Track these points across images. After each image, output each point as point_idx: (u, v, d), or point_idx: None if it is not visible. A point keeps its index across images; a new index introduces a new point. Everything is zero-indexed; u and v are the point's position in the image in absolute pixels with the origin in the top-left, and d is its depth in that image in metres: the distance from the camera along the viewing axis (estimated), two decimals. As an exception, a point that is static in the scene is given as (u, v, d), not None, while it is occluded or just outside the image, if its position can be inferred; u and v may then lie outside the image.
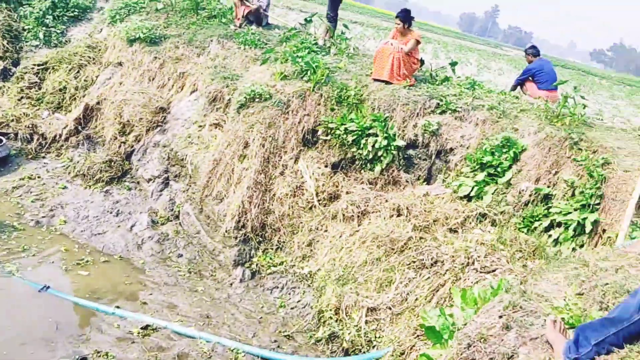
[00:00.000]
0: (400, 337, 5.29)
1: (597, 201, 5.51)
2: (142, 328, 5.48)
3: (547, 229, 5.78)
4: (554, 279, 3.53)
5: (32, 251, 6.68)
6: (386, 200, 6.66)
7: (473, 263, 5.56)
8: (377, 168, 7.00)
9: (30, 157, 8.71)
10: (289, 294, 6.62)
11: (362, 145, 6.99)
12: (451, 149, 7.06)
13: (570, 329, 3.02)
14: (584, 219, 5.45)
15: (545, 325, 3.08)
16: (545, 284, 3.49)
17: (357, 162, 7.10)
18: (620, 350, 2.75)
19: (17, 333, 5.14)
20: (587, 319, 3.01)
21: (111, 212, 7.62)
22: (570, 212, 5.61)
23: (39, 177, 8.32)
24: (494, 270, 5.33)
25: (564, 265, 3.77)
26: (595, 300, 3.17)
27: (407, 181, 7.05)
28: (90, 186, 8.04)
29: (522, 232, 5.86)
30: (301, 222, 6.87)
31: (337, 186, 6.98)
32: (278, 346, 5.77)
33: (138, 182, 8.17)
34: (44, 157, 8.72)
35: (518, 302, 3.26)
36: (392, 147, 6.94)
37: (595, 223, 5.43)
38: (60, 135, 8.78)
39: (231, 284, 6.72)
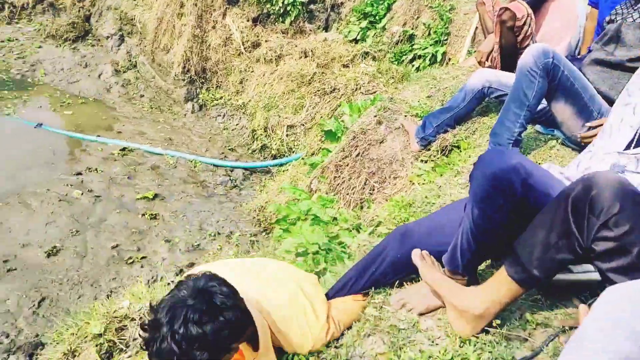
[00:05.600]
0: (311, 144, 5.48)
1: (446, 38, 5.57)
2: (120, 150, 5.40)
3: (412, 61, 5.85)
4: (412, 90, 3.67)
5: (22, 98, 6.22)
6: (296, 46, 6.49)
7: (360, 88, 5.66)
8: (287, 20, 6.70)
9: (5, 22, 7.73)
10: (229, 119, 6.60)
11: (274, 2, 6.60)
12: (342, 3, 6.81)
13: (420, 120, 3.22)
14: (436, 51, 5.54)
15: (404, 119, 3.27)
16: (406, 93, 3.63)
17: (271, 16, 6.74)
18: (453, 130, 2.98)
19: (23, 161, 4.95)
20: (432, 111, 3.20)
21: (81, 65, 7.03)
22: (427, 47, 5.67)
23: (17, 39, 7.46)
24: (374, 92, 5.46)
25: (420, 79, 3.90)
26: (439, 100, 3.35)
27: (310, 30, 6.82)
28: (60, 45, 7.29)
29: (394, 64, 5.93)
30: (233, 66, 6.64)
31: (258, 36, 6.67)
32: (225, 156, 5.87)
33: (99, 40, 7.46)
34: (17, 23, 7.75)
35: (387, 105, 3.40)
36: (298, 3, 6.60)
37: (444, 54, 5.54)
38: (28, 4, 7.75)
39: (185, 115, 6.59)
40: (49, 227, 4.02)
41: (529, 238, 1.31)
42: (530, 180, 1.37)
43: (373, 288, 1.78)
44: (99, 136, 5.57)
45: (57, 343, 3.05)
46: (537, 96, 2.27)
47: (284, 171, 5.46)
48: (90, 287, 3.52)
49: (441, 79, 3.61)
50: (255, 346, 1.48)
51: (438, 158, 2.89)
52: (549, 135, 2.67)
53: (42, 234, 3.93)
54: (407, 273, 1.74)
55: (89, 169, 4.94)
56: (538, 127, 2.76)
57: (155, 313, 1.25)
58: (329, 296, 1.81)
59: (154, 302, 1.32)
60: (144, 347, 1.27)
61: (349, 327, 1.72)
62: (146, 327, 1.26)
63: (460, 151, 2.84)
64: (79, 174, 4.83)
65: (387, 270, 1.74)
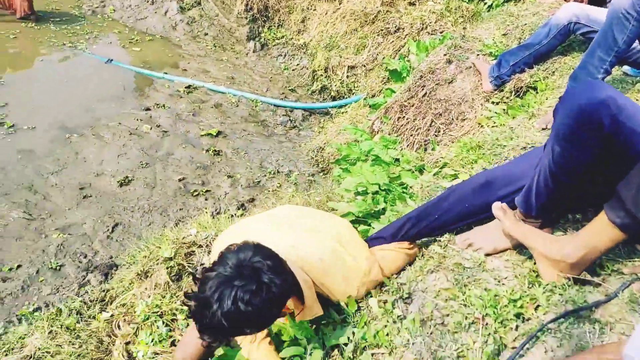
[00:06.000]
0: (372, 85, 5.35)
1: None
2: (186, 87, 5.52)
3: (484, -2, 5.48)
4: (487, 27, 3.44)
5: (94, 34, 6.42)
6: (360, -17, 6.21)
7: (426, 28, 5.38)
8: (353, -45, 6.39)
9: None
10: (290, 59, 6.53)
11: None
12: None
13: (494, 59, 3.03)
14: (513, -14, 5.14)
15: (476, 58, 3.09)
16: (479, 30, 3.41)
17: (337, -49, 6.44)
18: (531, 69, 2.80)
19: (95, 94, 5.18)
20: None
21: (147, 1, 7.10)
22: (502, -18, 5.28)
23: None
24: (441, 32, 5.19)
25: (495, 16, 3.65)
26: (516, 37, 3.13)
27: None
28: (127, -19, 7.42)
29: (464, 1, 5.57)
30: (295, 3, 6.49)
31: (321, -28, 6.46)
32: (285, 97, 5.86)
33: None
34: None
35: (458, 43, 3.23)
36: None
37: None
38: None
39: (247, 54, 6.59)
40: (121, 159, 4.23)
41: (636, 180, 1.20)
42: (621, 116, 1.24)
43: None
44: (165, 73, 5.70)
45: (130, 264, 3.28)
46: (628, 41, 2.05)
47: (343, 113, 5.40)
48: (159, 215, 3.72)
49: (519, 16, 3.35)
50: (301, 299, 1.51)
51: (511, 100, 2.73)
52: (638, 78, 2.44)
53: (115, 165, 4.15)
54: (471, 222, 1.69)
55: (157, 104, 5.10)
56: (626, 69, 2.53)
57: (203, 290, 1.26)
58: (383, 237, 1.80)
59: (198, 274, 1.33)
60: (191, 317, 1.30)
61: (401, 271, 1.72)
62: (193, 299, 1.28)
63: (537, 93, 2.67)
64: (148, 109, 5.00)
65: (451, 218, 1.69)
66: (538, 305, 1.37)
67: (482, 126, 2.71)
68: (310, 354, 1.43)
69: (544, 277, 1.42)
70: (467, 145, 2.37)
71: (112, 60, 5.74)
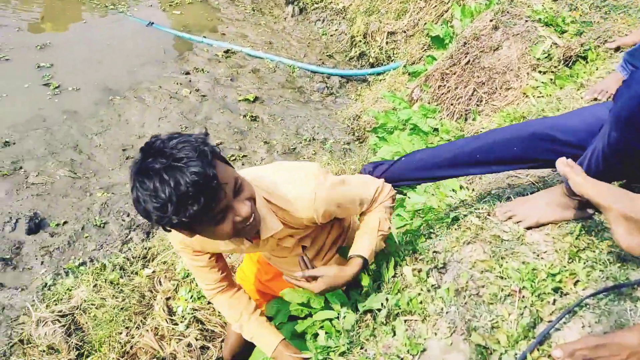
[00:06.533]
0: (412, 52, 5.21)
1: None
2: (224, 52, 5.53)
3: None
4: (537, -9, 3.26)
5: (134, -3, 6.49)
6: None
7: (471, -8, 5.17)
8: None
9: None
10: (329, 24, 6.42)
11: None
12: None
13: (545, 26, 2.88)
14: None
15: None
16: (528, -5, 3.24)
17: None
18: None
19: (137, 57, 5.26)
20: (558, 17, 2.86)
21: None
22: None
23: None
24: (487, -3, 4.97)
25: (545, -20, 3.44)
26: (567, 4, 2.96)
27: None
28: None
29: (514, -36, 5.29)
30: (336, -34, 6.33)
31: None
32: (322, 63, 5.80)
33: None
34: None
35: (506, 8, 3.08)
36: None
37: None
38: None
39: (285, 19, 6.51)
40: (161, 122, 4.32)
41: None
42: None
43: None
44: (205, 37, 5.71)
45: (170, 225, 3.38)
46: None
47: (381, 80, 5.30)
48: (197, 178, 3.80)
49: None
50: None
51: (559, 69, 2.61)
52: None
53: (156, 127, 4.24)
54: (503, 170, 1.62)
55: (196, 69, 5.14)
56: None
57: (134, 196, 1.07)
58: (408, 161, 1.73)
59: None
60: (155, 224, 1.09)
61: (437, 241, 1.70)
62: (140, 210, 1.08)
63: (586, 63, 2.54)
64: (187, 73, 5.05)
65: (488, 163, 1.59)
66: (577, 281, 1.34)
67: (527, 96, 2.62)
68: (344, 319, 1.46)
69: (622, 243, 1.21)
70: (510, 115, 2.29)
71: (152, 23, 5.79)
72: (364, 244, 1.50)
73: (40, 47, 5.19)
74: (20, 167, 3.62)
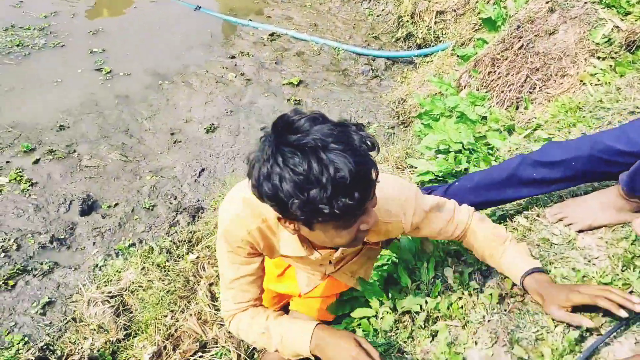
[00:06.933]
0: (462, 32, 5.01)
1: None
2: (269, 35, 5.51)
3: None
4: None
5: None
6: None
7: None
8: None
9: None
10: (375, 4, 6.26)
11: None
12: None
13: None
14: None
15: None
16: (590, -27, 3.01)
17: None
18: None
19: (185, 41, 5.34)
20: None
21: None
22: None
23: None
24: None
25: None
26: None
27: None
28: None
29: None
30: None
31: None
32: (368, 45, 5.68)
33: None
34: None
35: (564, -12, 2.88)
36: None
37: None
38: None
39: (331, -1, 6.42)
40: (208, 106, 4.38)
41: None
42: None
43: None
44: (250, 20, 5.71)
45: (214, 209, 3.45)
46: None
47: (428, 62, 5.14)
48: (242, 163, 3.84)
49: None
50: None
51: (620, 55, 2.43)
52: None
53: (202, 112, 4.31)
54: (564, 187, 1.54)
55: (242, 52, 5.16)
56: None
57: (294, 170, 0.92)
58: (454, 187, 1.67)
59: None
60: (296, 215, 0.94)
61: None
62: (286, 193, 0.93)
63: (653, 47, 2.35)
64: (233, 57, 5.08)
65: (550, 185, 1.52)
66: (631, 291, 1.27)
67: (584, 84, 2.46)
68: (382, 318, 1.44)
69: None
70: (565, 105, 2.16)
71: (200, 7, 5.84)
72: (519, 261, 1.29)
73: (92, 33, 5.35)
74: (74, 151, 3.78)
